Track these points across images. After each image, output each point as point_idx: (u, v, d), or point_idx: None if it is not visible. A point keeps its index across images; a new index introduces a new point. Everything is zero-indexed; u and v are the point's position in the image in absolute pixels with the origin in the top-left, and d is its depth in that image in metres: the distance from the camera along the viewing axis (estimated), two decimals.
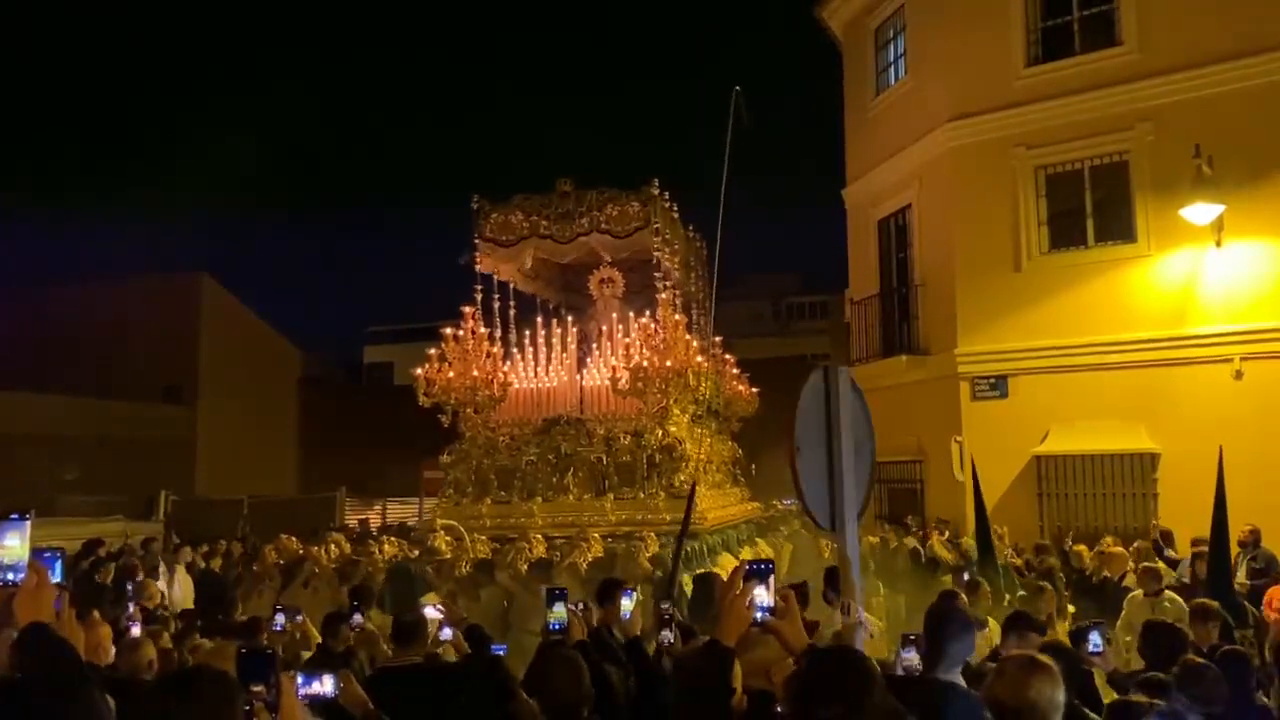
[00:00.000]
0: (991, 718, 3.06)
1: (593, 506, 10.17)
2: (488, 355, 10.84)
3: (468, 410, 10.80)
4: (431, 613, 6.18)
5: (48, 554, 2.76)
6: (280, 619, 5.89)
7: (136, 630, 5.70)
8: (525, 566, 8.56)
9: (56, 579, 2.75)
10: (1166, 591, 8.26)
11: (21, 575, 2.53)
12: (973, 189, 14.47)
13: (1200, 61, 12.71)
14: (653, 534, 9.22)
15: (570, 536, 9.29)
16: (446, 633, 5.86)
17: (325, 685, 4.09)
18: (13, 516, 2.59)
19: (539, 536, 9.37)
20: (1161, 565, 9.60)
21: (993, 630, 6.44)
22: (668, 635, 4.51)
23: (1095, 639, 4.50)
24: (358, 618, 5.84)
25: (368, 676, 5.36)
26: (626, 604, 5.15)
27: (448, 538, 9.54)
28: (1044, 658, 3.24)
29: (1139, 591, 8.37)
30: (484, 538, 9.68)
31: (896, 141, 16.10)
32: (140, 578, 9.99)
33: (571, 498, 10.36)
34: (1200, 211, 12.42)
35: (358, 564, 8.97)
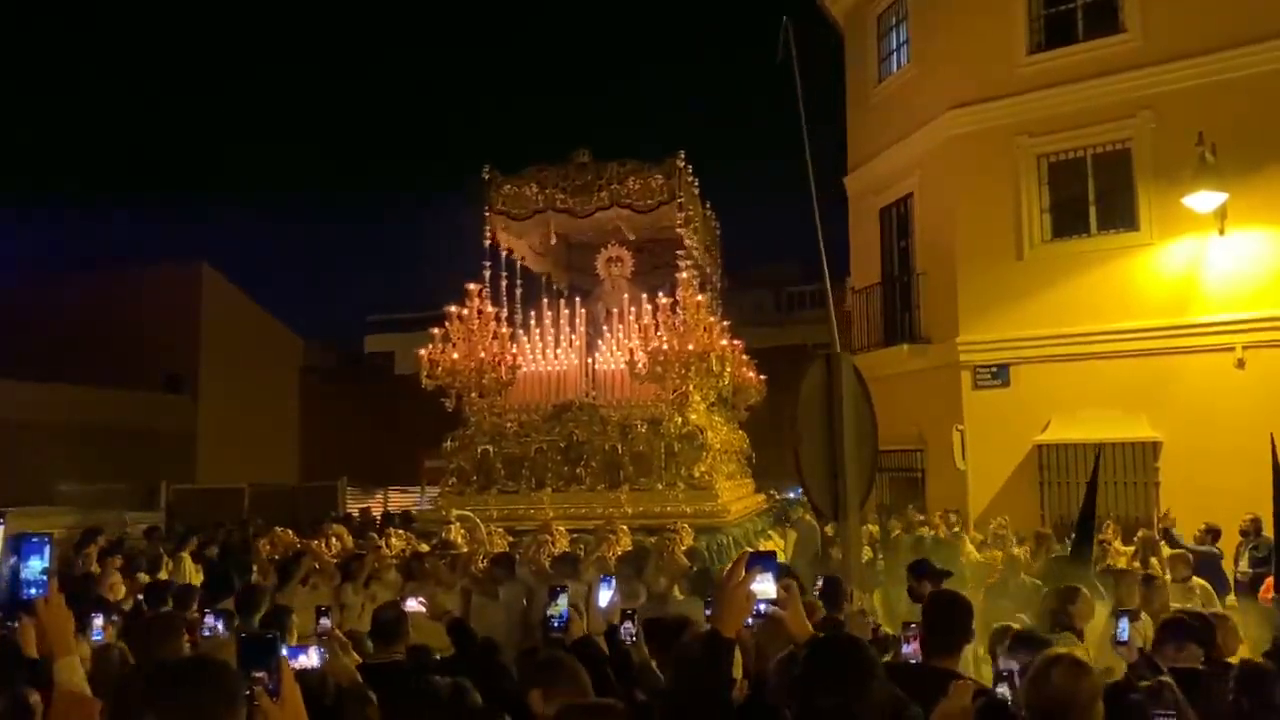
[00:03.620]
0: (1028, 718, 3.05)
1: (607, 498, 9.59)
2: (494, 336, 10.25)
3: (472, 394, 10.22)
4: (413, 605, 5.97)
5: (35, 539, 2.75)
6: (210, 620, 5.44)
7: (99, 624, 5.34)
8: (548, 561, 8.07)
9: (44, 564, 2.74)
10: (1195, 579, 8.24)
11: None
12: (975, 177, 14.43)
13: (1203, 49, 12.65)
14: (686, 526, 8.62)
15: (596, 528, 8.75)
16: None
17: (310, 658, 4.07)
18: None
19: (562, 529, 8.84)
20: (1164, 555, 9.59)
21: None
22: (629, 628, 4.43)
23: (1123, 626, 4.49)
24: (325, 622, 5.41)
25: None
26: (606, 592, 5.12)
27: (463, 530, 9.04)
28: (1083, 656, 3.24)
29: (1166, 579, 8.36)
30: (500, 530, 9.18)
31: (898, 129, 16.05)
32: (96, 568, 9.35)
33: (584, 488, 9.79)
34: (1203, 200, 12.38)
35: (363, 558, 8.31)
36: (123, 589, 8.45)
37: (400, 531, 9.77)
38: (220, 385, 27.70)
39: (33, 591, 2.73)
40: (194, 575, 10.98)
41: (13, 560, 2.71)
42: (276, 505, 19.12)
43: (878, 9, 17.10)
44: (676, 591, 7.38)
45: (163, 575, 10.27)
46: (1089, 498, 8.70)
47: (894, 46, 16.79)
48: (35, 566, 2.73)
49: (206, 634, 5.27)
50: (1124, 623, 4.46)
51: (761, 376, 13.60)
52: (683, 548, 8.11)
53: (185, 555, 11.65)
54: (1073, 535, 10.66)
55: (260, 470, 24.18)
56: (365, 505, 20.25)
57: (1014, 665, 4.02)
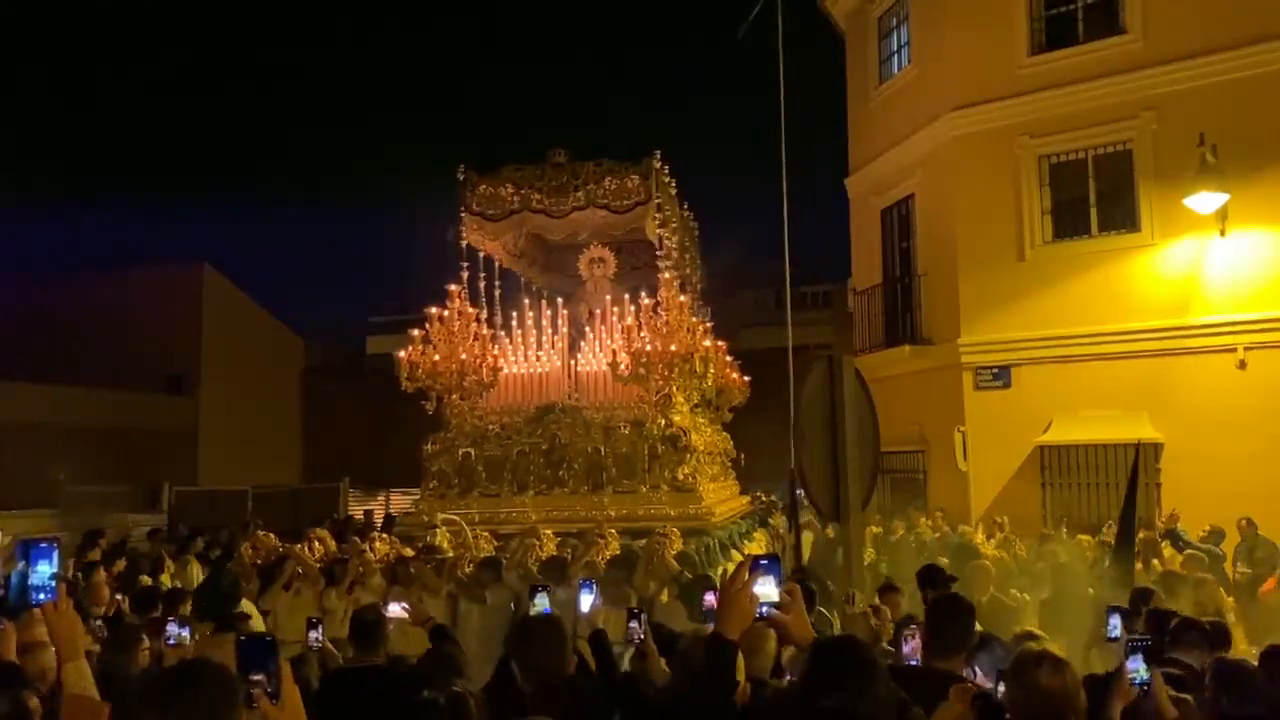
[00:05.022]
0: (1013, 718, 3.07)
1: (590, 501, 9.48)
2: (475, 337, 10.09)
3: (453, 397, 10.09)
4: (395, 610, 5.89)
5: (44, 544, 2.76)
6: (173, 629, 5.20)
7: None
8: (535, 565, 7.94)
9: (53, 569, 2.75)
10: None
11: None
12: (976, 178, 14.44)
13: (1205, 50, 12.66)
14: (676, 529, 8.48)
15: (584, 532, 8.63)
16: None
17: None
18: None
19: (549, 532, 8.73)
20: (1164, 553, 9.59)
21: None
22: (635, 628, 4.42)
23: (1114, 623, 4.46)
24: (315, 635, 5.27)
25: (323, 678, 5.09)
26: (587, 597, 5.10)
27: (449, 534, 8.90)
28: (1058, 654, 3.25)
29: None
30: (486, 534, 9.03)
31: (899, 130, 16.06)
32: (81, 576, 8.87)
33: (567, 491, 9.67)
34: (1204, 200, 12.38)
35: (346, 563, 8.11)
36: (103, 604, 8.21)
37: (384, 535, 9.58)
38: (222, 386, 27.73)
39: (41, 596, 2.74)
40: (198, 578, 10.97)
41: (21, 565, 2.72)
42: (278, 507, 19.15)
43: (878, 11, 17.11)
44: (664, 596, 7.35)
45: (165, 578, 10.26)
46: (1129, 497, 8.51)
47: (895, 48, 16.80)
48: (44, 571, 2.74)
49: (171, 642, 5.05)
50: (1115, 619, 4.44)
51: (745, 378, 13.49)
52: (673, 551, 7.99)
53: (191, 558, 11.65)
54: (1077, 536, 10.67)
55: (262, 471, 24.20)
56: (367, 507, 20.29)
57: (976, 670, 4.02)
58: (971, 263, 14.31)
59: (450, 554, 8.51)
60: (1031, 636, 4.78)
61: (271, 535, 9.28)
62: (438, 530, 8.96)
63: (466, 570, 8.00)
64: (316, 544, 8.92)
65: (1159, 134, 13.07)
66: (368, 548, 8.68)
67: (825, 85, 19.04)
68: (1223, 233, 12.56)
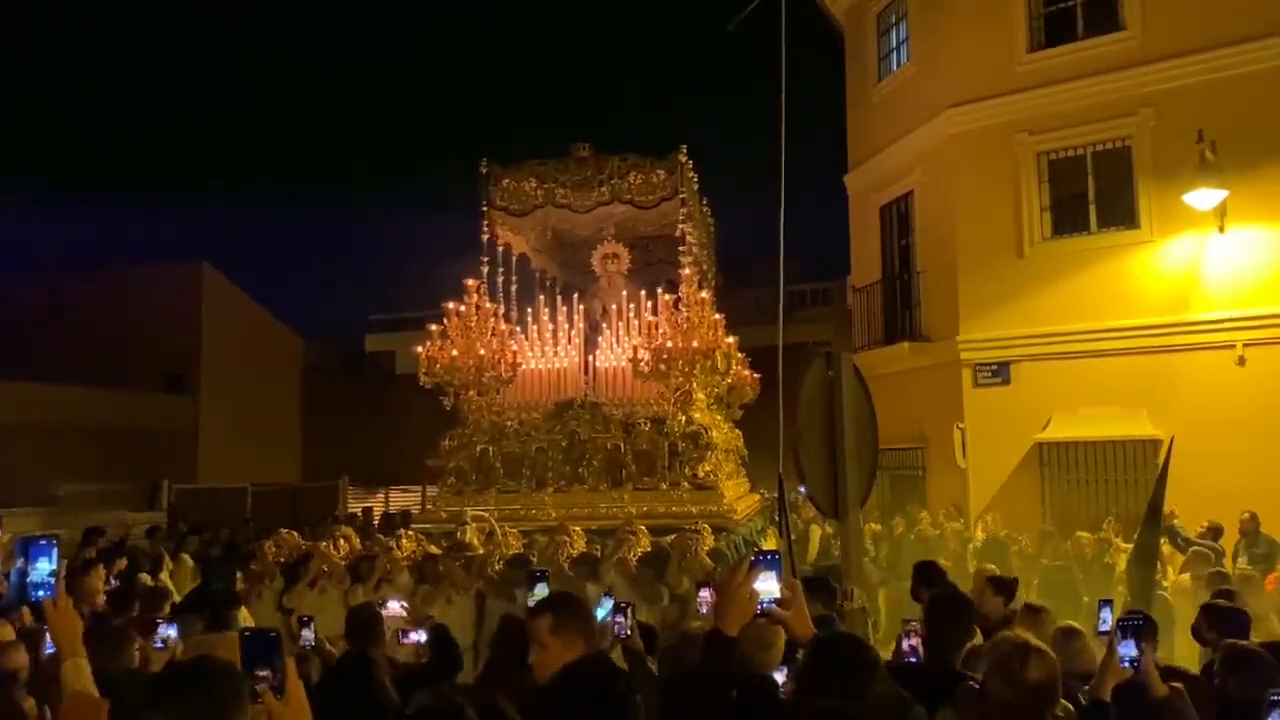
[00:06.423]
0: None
1: (610, 498, 9.38)
2: (494, 333, 9.96)
3: (470, 392, 9.96)
4: (394, 608, 5.81)
5: (43, 541, 2.76)
6: (163, 631, 5.05)
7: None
8: (567, 562, 7.85)
9: (52, 566, 2.75)
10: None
11: None
12: (975, 175, 14.43)
13: (1204, 46, 12.65)
14: (707, 526, 8.34)
15: (615, 528, 8.52)
16: (413, 636, 5.46)
17: None
18: None
19: (578, 529, 8.58)
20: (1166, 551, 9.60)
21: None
22: (622, 622, 4.42)
23: (1104, 617, 4.45)
24: (308, 633, 5.21)
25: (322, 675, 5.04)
26: (600, 612, 5.08)
27: (479, 531, 8.77)
28: (1041, 644, 3.25)
29: (1185, 576, 8.33)
30: (515, 531, 8.92)
31: (899, 127, 16.05)
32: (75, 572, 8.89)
33: (586, 488, 9.57)
34: (1203, 197, 12.38)
35: (373, 561, 8.02)
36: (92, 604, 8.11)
37: (411, 532, 9.38)
38: (221, 385, 27.70)
39: (40, 594, 2.75)
40: (193, 576, 11.00)
41: (20, 563, 2.73)
42: (278, 505, 19.17)
43: (877, 7, 17.09)
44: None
45: (164, 576, 10.29)
46: (1157, 492, 8.36)
47: (894, 45, 16.80)
48: (43, 569, 2.75)
49: (159, 645, 4.93)
50: (1106, 613, 4.43)
51: (756, 375, 13.48)
52: (705, 548, 7.86)
53: (185, 556, 11.66)
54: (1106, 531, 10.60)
55: (262, 470, 24.21)
56: (367, 505, 20.32)
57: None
58: (970, 259, 14.31)
59: (480, 551, 8.38)
60: (1072, 631, 4.67)
61: (294, 533, 9.13)
62: (467, 527, 8.83)
63: (496, 568, 7.88)
64: (342, 541, 8.82)
65: (1158, 130, 13.07)
66: (394, 545, 8.55)
67: (825, 82, 19.03)
68: (1222, 229, 12.56)
